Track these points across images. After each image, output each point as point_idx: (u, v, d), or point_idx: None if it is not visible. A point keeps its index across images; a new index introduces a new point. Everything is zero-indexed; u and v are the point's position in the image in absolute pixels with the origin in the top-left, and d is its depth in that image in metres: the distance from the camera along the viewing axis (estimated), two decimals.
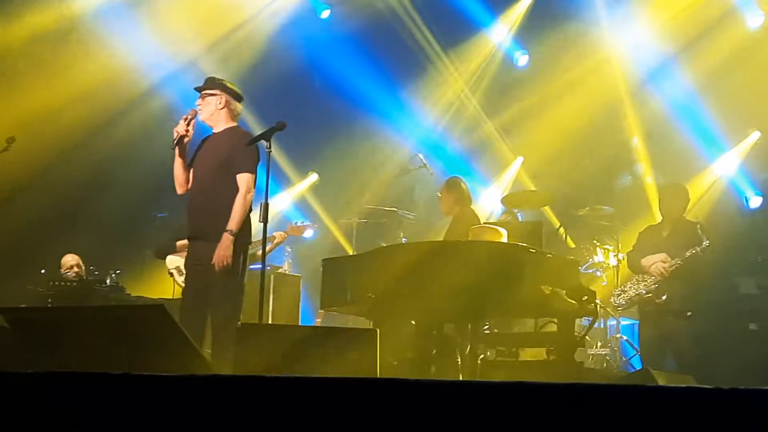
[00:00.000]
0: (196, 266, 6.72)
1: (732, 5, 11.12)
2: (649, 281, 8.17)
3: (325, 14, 12.57)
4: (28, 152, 7.94)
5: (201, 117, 6.88)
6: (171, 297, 9.01)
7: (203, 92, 6.91)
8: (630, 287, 8.35)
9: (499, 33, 12.72)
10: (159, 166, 11.05)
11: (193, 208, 6.81)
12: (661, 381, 6.03)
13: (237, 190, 6.62)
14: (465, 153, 12.62)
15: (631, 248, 8.72)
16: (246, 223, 6.66)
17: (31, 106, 9.20)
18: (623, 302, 8.36)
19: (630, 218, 10.09)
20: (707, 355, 8.76)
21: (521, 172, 12.52)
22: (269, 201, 6.39)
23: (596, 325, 9.06)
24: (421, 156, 10.87)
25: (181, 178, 6.91)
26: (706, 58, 10.84)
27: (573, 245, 10.44)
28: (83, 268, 9.82)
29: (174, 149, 6.79)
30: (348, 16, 12.27)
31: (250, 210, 6.73)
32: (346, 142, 12.25)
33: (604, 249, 10.06)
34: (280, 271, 10.48)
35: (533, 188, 11.84)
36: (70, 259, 9.74)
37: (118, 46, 10.78)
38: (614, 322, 9.79)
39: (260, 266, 6.67)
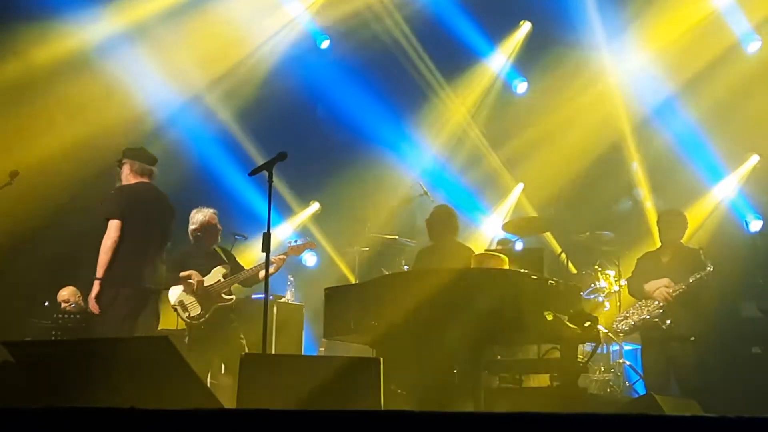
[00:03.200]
0: None
1: (730, 31, 11.17)
2: (651, 306, 8.16)
3: (325, 45, 12.63)
4: (38, 187, 8.02)
5: (121, 184, 7.67)
6: (175, 327, 9.00)
7: (119, 162, 7.77)
8: (632, 313, 8.35)
9: (499, 61, 12.78)
10: None
11: None
12: (666, 407, 6.02)
13: None
14: (466, 180, 12.63)
15: (630, 275, 8.73)
16: (120, 265, 7.27)
17: (41, 146, 9.25)
18: (626, 328, 8.34)
19: (631, 243, 10.10)
20: (710, 379, 8.76)
21: (522, 198, 12.53)
22: (271, 231, 6.47)
23: (599, 350, 9.07)
24: (422, 184, 10.89)
25: None
26: (704, 83, 10.89)
27: (575, 271, 10.44)
28: (81, 299, 9.81)
29: None
30: (348, 46, 12.32)
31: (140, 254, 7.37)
32: (348, 172, 12.27)
33: (606, 274, 10.05)
34: (282, 300, 10.47)
35: (534, 214, 11.84)
36: (65, 293, 9.73)
37: (126, 85, 10.89)
38: (617, 348, 9.75)
39: (263, 296, 6.68)
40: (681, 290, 8.05)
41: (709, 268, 7.98)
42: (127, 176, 7.63)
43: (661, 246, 8.63)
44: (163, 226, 7.69)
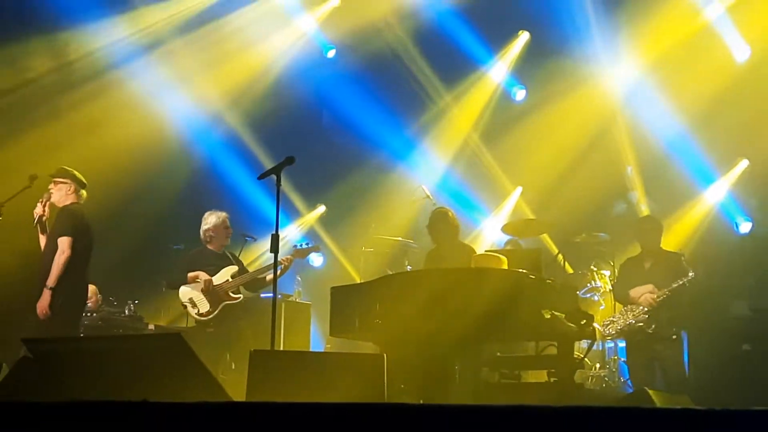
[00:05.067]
0: None
1: (720, 39, 11.18)
2: (636, 311, 8.20)
3: (331, 54, 12.64)
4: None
5: (53, 199, 7.91)
6: (186, 325, 9.01)
7: (56, 179, 7.93)
8: (619, 318, 8.39)
9: (498, 69, 12.77)
10: (175, 201, 11.17)
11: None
12: (658, 401, 6.01)
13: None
14: (467, 184, 12.63)
15: (615, 281, 8.76)
16: (69, 276, 7.61)
17: (63, 157, 9.29)
18: (613, 332, 8.40)
19: (626, 244, 10.05)
20: (702, 374, 8.77)
21: (520, 201, 12.51)
22: (279, 232, 6.48)
23: (595, 347, 9.06)
24: (424, 187, 10.88)
25: (43, 247, 7.88)
26: (696, 89, 10.88)
27: (571, 271, 10.43)
28: (100, 298, 9.83)
29: (36, 227, 7.90)
30: (353, 55, 12.34)
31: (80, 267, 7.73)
32: (353, 175, 12.28)
33: (601, 274, 10.06)
34: (290, 299, 10.47)
35: (532, 217, 11.83)
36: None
37: (141, 95, 10.98)
38: (612, 345, 9.74)
39: (272, 295, 6.69)
40: (665, 296, 8.09)
41: (691, 275, 8.03)
42: (67, 195, 7.91)
43: (641, 252, 8.63)
44: (92, 244, 7.99)
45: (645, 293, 8.19)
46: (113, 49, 10.97)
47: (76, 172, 8.03)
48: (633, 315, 8.22)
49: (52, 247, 7.66)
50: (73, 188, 7.94)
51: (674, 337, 8.12)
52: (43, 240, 7.92)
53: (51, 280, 7.53)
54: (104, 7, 10.73)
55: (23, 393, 4.68)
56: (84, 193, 8.04)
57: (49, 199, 7.91)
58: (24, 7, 10.04)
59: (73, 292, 7.69)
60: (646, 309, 8.14)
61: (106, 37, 10.90)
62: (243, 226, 9.89)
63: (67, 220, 7.73)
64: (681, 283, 8.05)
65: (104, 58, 10.91)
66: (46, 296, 7.51)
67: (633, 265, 8.62)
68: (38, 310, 7.52)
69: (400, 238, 10.86)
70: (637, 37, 11.45)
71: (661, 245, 8.62)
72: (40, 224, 7.91)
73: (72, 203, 7.90)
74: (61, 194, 7.92)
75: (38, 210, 7.88)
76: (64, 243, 7.61)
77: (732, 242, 10.86)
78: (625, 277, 8.57)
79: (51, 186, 7.94)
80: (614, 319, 8.44)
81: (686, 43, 11.24)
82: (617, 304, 8.87)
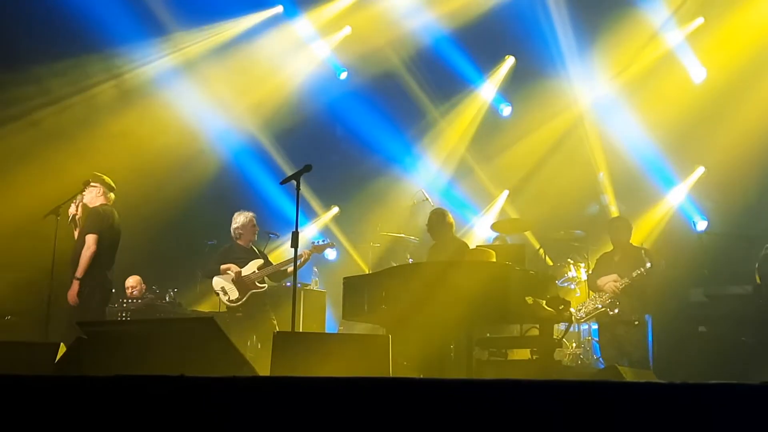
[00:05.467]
0: None
1: (680, 63, 11.18)
2: (603, 297, 8.26)
3: (344, 76, 12.66)
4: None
5: (85, 200, 7.91)
6: (218, 310, 9.02)
7: (88, 184, 7.90)
8: (588, 303, 8.46)
9: (487, 89, 12.78)
10: (209, 202, 11.19)
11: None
12: (626, 375, 6.00)
13: None
14: (459, 188, 12.63)
15: (591, 272, 8.80)
16: (95, 269, 7.55)
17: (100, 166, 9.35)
18: (583, 315, 8.46)
19: (598, 240, 10.05)
20: (664, 352, 8.79)
21: (507, 203, 12.51)
22: (299, 230, 6.51)
23: (571, 329, 9.06)
24: (423, 191, 10.88)
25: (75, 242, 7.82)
26: (660, 106, 10.90)
27: (551, 263, 10.41)
28: (144, 287, 9.86)
29: (71, 225, 7.88)
30: (362, 77, 12.36)
31: (109, 262, 7.75)
32: (363, 181, 12.29)
33: (577, 266, 10.04)
34: (308, 287, 10.48)
35: (517, 216, 11.82)
36: (131, 281, 9.78)
37: (179, 112, 11.04)
38: (586, 327, 9.74)
39: (292, 284, 6.70)
40: (626, 284, 8.11)
41: (648, 265, 8.04)
42: (97, 197, 7.87)
43: (613, 248, 8.65)
44: (118, 241, 7.94)
45: (609, 282, 8.24)
46: (152, 67, 11.04)
47: (105, 177, 7.99)
48: (600, 300, 8.29)
49: (81, 243, 7.62)
50: (102, 191, 7.89)
51: (636, 322, 8.14)
52: (76, 236, 7.89)
53: (79, 272, 7.50)
54: (145, 32, 10.79)
55: (78, 368, 4.69)
56: (112, 195, 7.98)
57: (81, 200, 7.91)
58: (82, 30, 10.07)
59: (98, 282, 7.63)
60: (609, 295, 8.19)
61: (146, 56, 10.97)
62: (267, 225, 9.91)
63: (95, 220, 7.69)
64: (640, 272, 8.06)
65: (144, 74, 10.99)
66: (74, 286, 7.48)
67: (605, 258, 8.65)
68: (68, 298, 7.49)
69: (402, 235, 10.85)
70: (607, 60, 11.46)
71: (630, 241, 8.63)
72: (74, 222, 7.89)
73: (101, 204, 7.86)
74: (91, 196, 7.88)
75: (72, 210, 7.88)
76: (90, 239, 7.57)
77: (690, 238, 10.85)
78: (598, 269, 8.60)
79: (84, 189, 7.93)
80: (585, 305, 8.50)
81: (651, 66, 11.29)
82: (590, 291, 8.89)
